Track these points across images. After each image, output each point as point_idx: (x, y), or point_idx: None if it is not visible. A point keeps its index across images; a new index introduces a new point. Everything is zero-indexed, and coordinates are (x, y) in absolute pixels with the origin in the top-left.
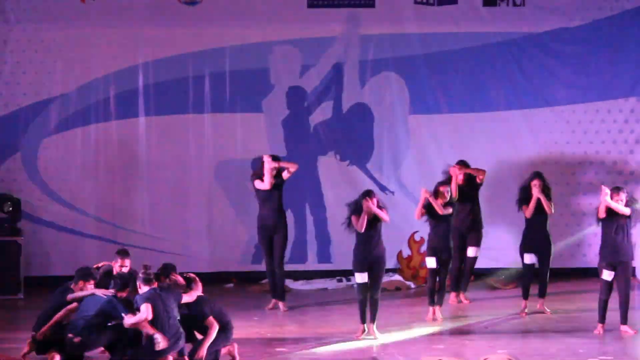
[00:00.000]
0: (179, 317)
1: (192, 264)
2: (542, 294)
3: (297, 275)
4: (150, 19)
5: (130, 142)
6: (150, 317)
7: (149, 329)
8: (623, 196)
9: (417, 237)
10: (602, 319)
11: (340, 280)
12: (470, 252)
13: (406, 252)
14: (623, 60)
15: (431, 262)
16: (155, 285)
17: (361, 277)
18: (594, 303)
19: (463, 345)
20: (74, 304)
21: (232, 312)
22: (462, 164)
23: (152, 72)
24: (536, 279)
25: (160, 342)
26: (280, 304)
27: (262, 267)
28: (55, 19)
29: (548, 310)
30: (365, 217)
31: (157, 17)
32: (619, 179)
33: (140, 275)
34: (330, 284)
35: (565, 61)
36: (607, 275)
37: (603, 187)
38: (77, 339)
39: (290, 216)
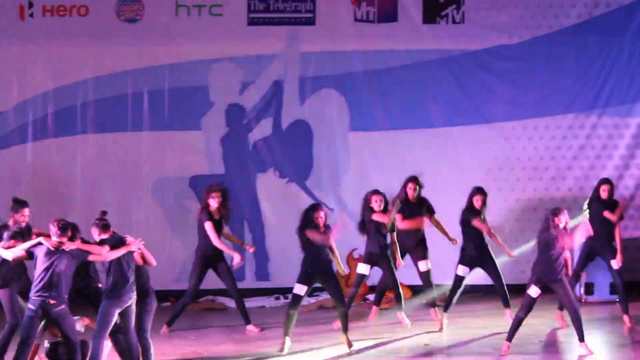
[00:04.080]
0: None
1: None
2: (505, 304)
3: None
4: (90, 36)
5: (68, 160)
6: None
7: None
8: (563, 218)
9: (355, 255)
10: (511, 336)
11: (278, 298)
12: (422, 266)
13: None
14: (561, 77)
15: (363, 269)
16: (112, 232)
17: (300, 289)
18: (531, 319)
19: None
20: (23, 254)
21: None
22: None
23: (91, 90)
24: (494, 293)
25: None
26: (252, 327)
27: (200, 285)
28: None
29: None
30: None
31: (97, 35)
32: (556, 195)
33: (97, 221)
34: (268, 301)
35: (504, 78)
36: (534, 291)
37: None
38: None
39: None
